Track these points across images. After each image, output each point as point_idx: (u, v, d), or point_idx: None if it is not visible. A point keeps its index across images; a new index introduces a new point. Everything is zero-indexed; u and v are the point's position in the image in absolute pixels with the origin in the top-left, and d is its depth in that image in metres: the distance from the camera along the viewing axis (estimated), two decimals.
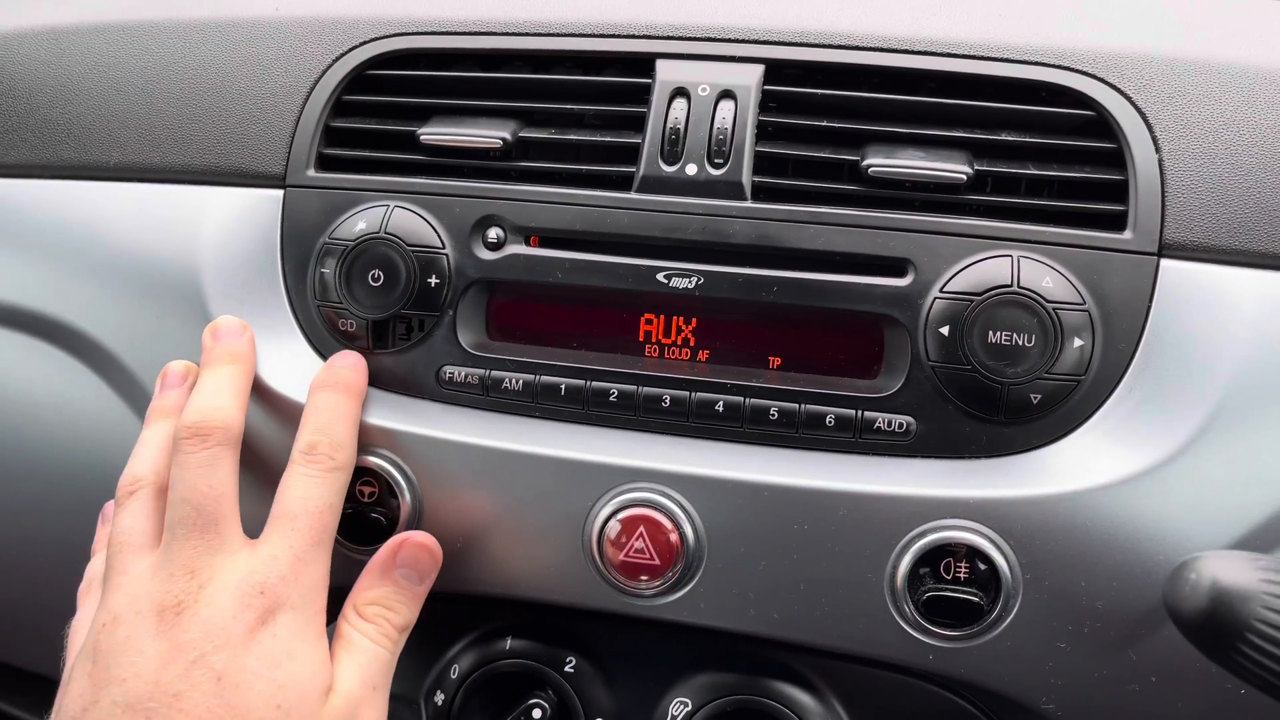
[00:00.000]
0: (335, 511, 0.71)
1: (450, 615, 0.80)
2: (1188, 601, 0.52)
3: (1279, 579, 0.51)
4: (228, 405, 0.72)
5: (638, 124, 0.77)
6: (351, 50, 0.84)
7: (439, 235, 0.77)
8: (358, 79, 0.83)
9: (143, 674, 0.62)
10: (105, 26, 0.90)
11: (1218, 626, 0.51)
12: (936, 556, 0.70)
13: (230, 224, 0.82)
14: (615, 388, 0.76)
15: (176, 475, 0.69)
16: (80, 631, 0.70)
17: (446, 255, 0.77)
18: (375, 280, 0.77)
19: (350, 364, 0.77)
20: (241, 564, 0.67)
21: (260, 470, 0.77)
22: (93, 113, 0.87)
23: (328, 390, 0.75)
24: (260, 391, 0.78)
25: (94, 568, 0.75)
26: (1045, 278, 0.70)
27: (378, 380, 0.79)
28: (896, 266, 0.73)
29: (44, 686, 0.94)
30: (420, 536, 0.74)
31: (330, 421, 0.73)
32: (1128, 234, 0.72)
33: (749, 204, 0.75)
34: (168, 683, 0.62)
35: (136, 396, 0.81)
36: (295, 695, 0.63)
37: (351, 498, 0.76)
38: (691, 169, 0.76)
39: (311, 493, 0.70)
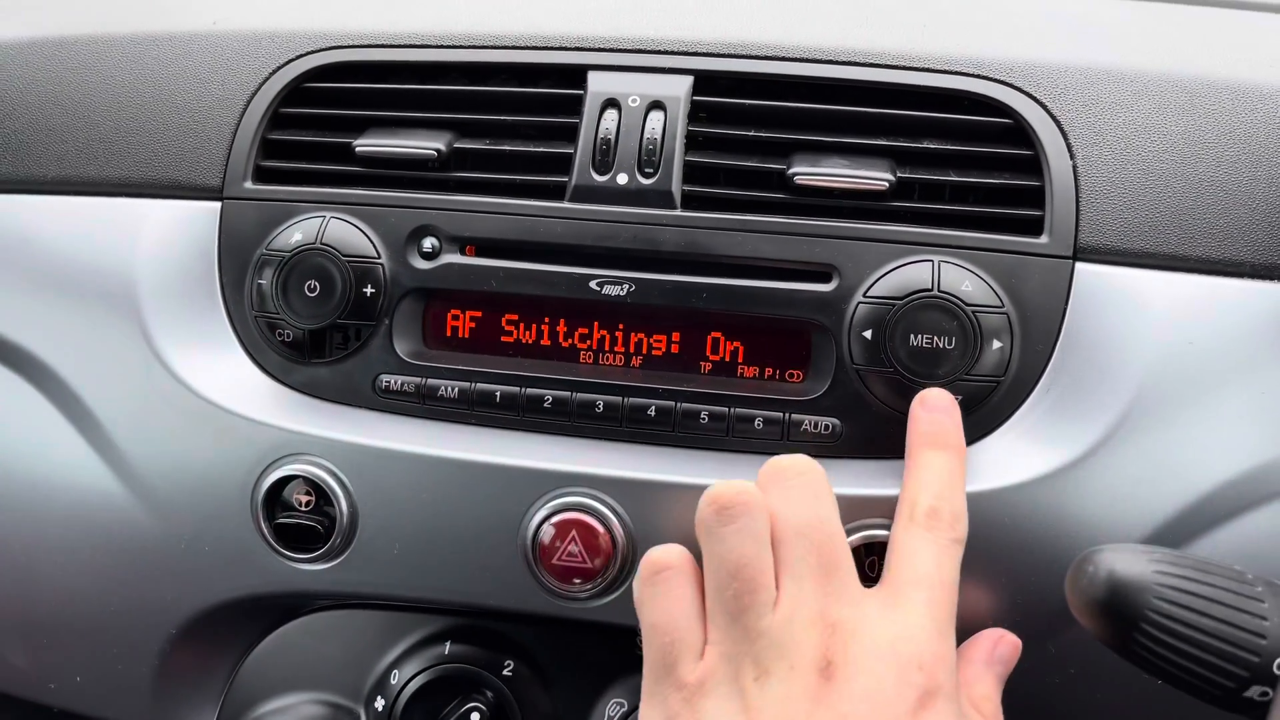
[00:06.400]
0: (957, 589, 0.65)
1: (390, 621, 0.81)
2: (1086, 593, 0.54)
3: (1173, 570, 0.53)
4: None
5: (570, 134, 0.79)
6: (289, 63, 0.84)
7: (374, 245, 0.78)
8: (295, 91, 0.84)
9: None
10: (41, 41, 0.90)
11: (1115, 617, 0.53)
12: (862, 555, 0.71)
13: (167, 236, 0.82)
14: (550, 394, 0.77)
15: (781, 508, 0.64)
16: None
17: (382, 265, 0.78)
18: (312, 290, 0.78)
19: (955, 419, 0.70)
20: (882, 626, 0.60)
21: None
22: (29, 127, 0.87)
23: (941, 452, 0.68)
24: (195, 404, 0.78)
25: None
26: (965, 282, 0.72)
27: (315, 389, 0.80)
28: (822, 273, 0.74)
29: None
30: (1014, 638, 0.69)
31: (950, 489, 0.67)
32: (1044, 239, 0.74)
33: (679, 213, 0.76)
34: None
35: (73, 408, 0.80)
36: None
37: (288, 506, 0.76)
38: (623, 178, 0.77)
39: (945, 563, 0.64)
